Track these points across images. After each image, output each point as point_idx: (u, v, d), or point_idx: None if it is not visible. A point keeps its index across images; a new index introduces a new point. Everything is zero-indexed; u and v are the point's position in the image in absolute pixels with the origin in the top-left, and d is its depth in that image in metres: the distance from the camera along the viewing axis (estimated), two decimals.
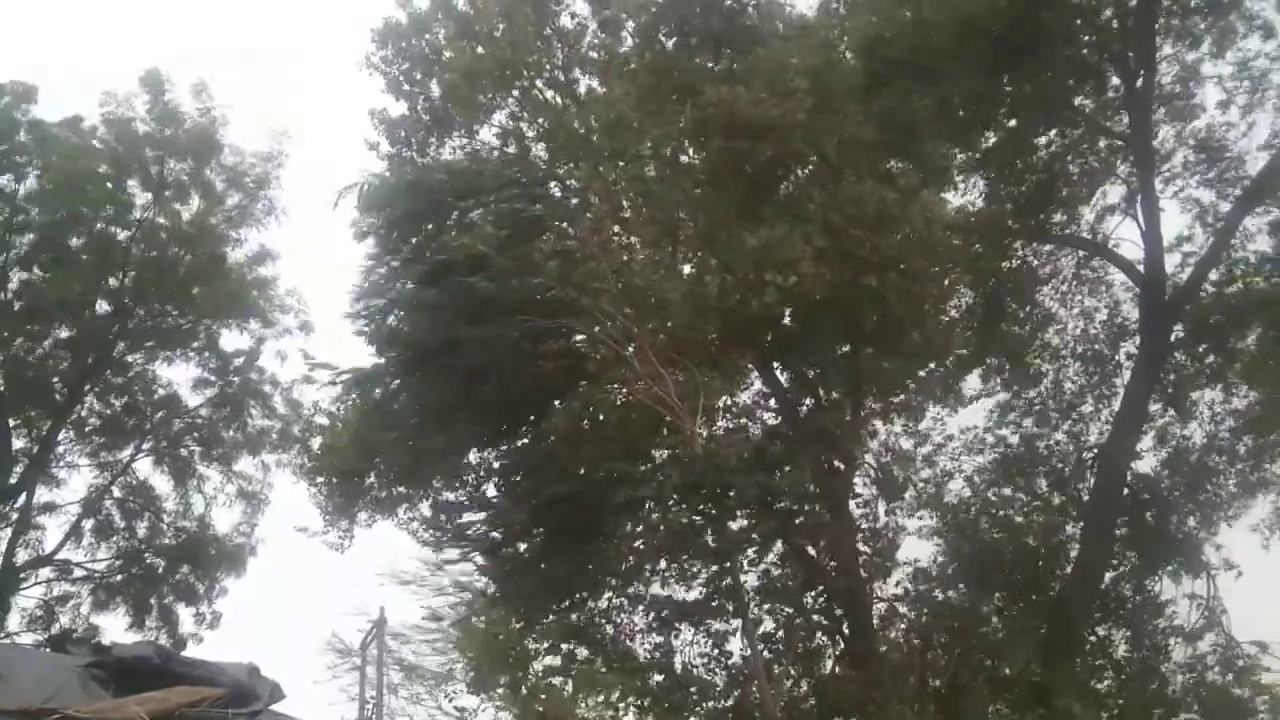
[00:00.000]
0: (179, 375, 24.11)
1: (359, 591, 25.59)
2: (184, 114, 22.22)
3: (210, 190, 22.86)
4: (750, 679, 13.43)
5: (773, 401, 16.01)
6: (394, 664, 22.97)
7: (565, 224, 13.41)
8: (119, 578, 23.10)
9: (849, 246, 12.52)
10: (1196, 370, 15.90)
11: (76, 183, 21.21)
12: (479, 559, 14.26)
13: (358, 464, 15.65)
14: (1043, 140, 16.10)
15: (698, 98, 13.00)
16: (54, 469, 23.20)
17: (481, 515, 13.43)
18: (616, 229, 15.35)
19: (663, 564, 13.68)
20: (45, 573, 22.87)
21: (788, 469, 12.79)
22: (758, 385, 16.20)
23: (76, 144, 21.51)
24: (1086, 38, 14.98)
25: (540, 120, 17.90)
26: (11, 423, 22.30)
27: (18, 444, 22.57)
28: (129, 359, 23.81)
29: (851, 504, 15.10)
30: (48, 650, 14.66)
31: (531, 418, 13.11)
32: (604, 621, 14.26)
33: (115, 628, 22.46)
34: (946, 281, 15.65)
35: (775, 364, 15.24)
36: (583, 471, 12.23)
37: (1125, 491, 15.18)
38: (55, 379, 22.73)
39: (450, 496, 15.25)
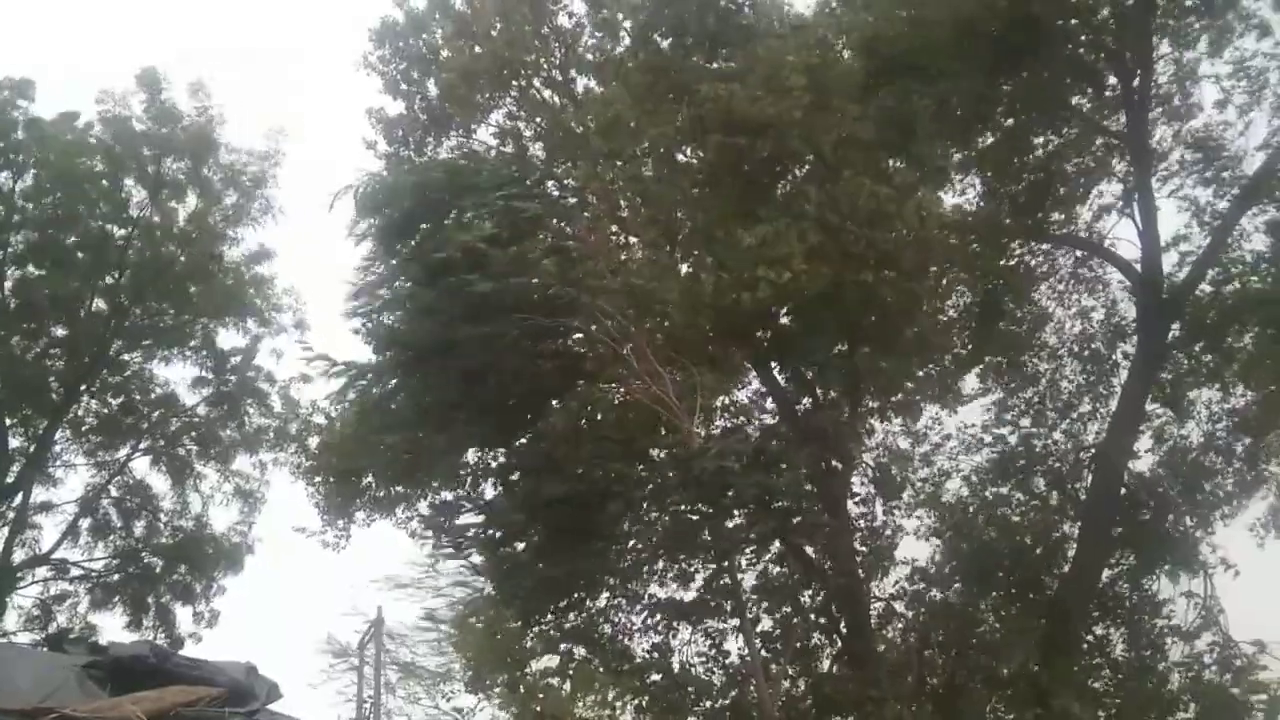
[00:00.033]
0: (176, 374, 24.13)
1: (357, 591, 25.62)
2: (181, 113, 22.21)
3: (207, 189, 22.84)
4: (748, 678, 13.44)
5: (770, 401, 16.03)
6: (391, 664, 22.97)
7: (563, 223, 13.38)
8: (116, 577, 23.09)
9: (845, 243, 12.54)
10: (1193, 370, 15.92)
11: (73, 180, 21.19)
12: (477, 559, 14.25)
13: (355, 463, 15.66)
14: (1040, 139, 16.10)
15: (694, 96, 13.00)
16: (51, 468, 23.20)
17: (479, 515, 13.40)
18: (614, 228, 15.36)
19: (661, 563, 13.68)
20: (42, 572, 22.85)
21: (786, 468, 12.79)
22: (756, 385, 16.23)
23: (73, 141, 21.49)
24: (1083, 37, 14.99)
25: (538, 120, 17.91)
26: (8, 422, 22.27)
27: (14, 443, 22.55)
28: (126, 358, 23.79)
29: (849, 503, 15.13)
30: (45, 650, 14.66)
31: (529, 417, 13.08)
32: (602, 621, 14.26)
33: (112, 627, 22.47)
34: (945, 281, 15.68)
35: (773, 363, 15.24)
36: (581, 471, 12.21)
37: (1122, 491, 15.19)
38: (52, 378, 22.70)
39: (448, 496, 15.24)
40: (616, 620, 14.37)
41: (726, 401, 16.12)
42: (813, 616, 14.72)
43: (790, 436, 14.07)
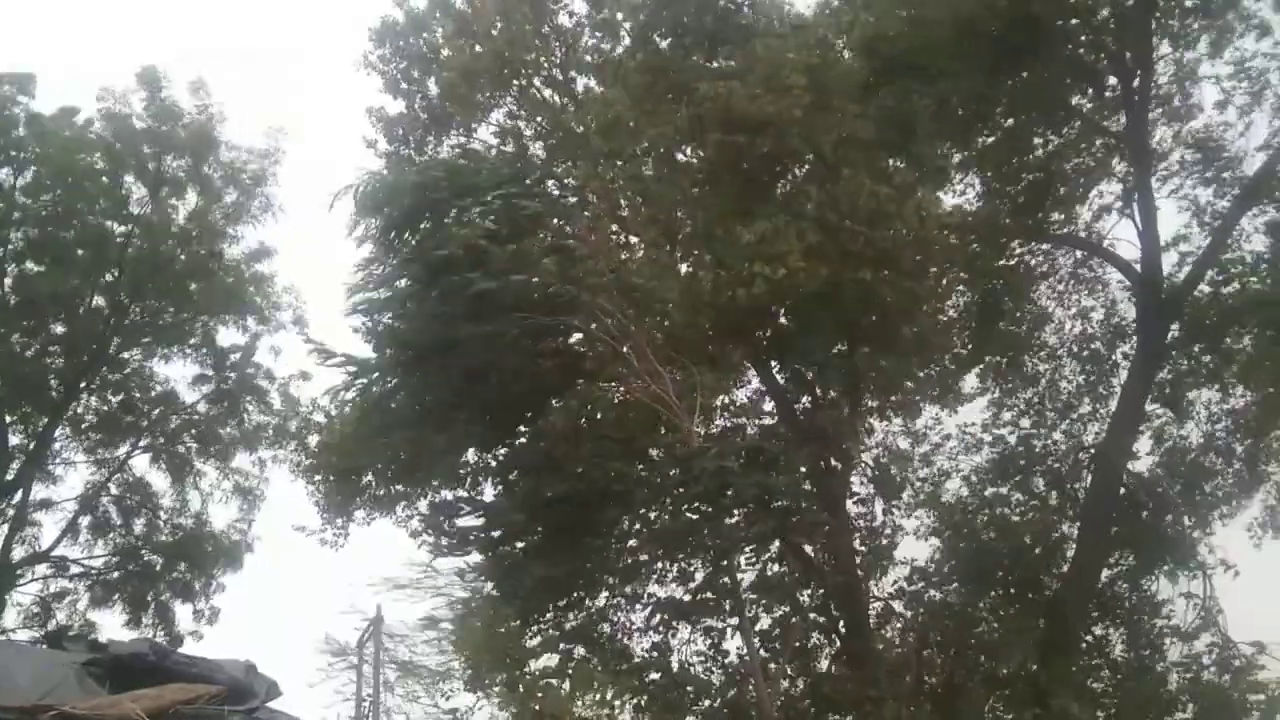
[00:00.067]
0: (175, 372, 24.13)
1: (356, 590, 25.65)
2: (182, 110, 22.21)
3: (208, 187, 22.84)
4: (747, 677, 13.44)
5: (770, 400, 16.04)
6: (390, 662, 23.01)
7: (563, 222, 13.39)
8: (116, 575, 23.10)
9: (844, 241, 12.55)
10: (1193, 370, 15.92)
11: (73, 177, 21.18)
12: (477, 558, 14.25)
13: (355, 462, 15.66)
14: (1040, 140, 16.10)
15: (693, 95, 13.01)
16: (50, 466, 23.20)
17: (479, 514, 13.41)
18: (615, 227, 15.37)
19: (660, 563, 13.68)
20: (42, 569, 22.86)
21: (785, 468, 12.79)
22: (755, 384, 16.23)
23: (73, 137, 21.46)
24: (1083, 37, 14.99)
25: (538, 119, 17.92)
26: (8, 419, 22.27)
27: (14, 440, 22.55)
28: (125, 355, 23.79)
29: (849, 503, 15.13)
30: (44, 647, 14.66)
31: (529, 416, 13.09)
32: (601, 620, 14.26)
33: (112, 625, 22.49)
34: (945, 281, 15.68)
35: (773, 363, 15.25)
36: (580, 470, 12.22)
37: (1122, 491, 15.20)
38: (51, 376, 22.70)
39: (448, 495, 15.24)
40: (616, 620, 14.37)
41: (726, 400, 16.13)
42: (812, 616, 14.72)
43: (789, 436, 14.08)
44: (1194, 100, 16.08)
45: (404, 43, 18.57)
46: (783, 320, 14.09)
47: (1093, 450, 16.04)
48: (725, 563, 12.29)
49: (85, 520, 23.33)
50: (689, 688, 13.88)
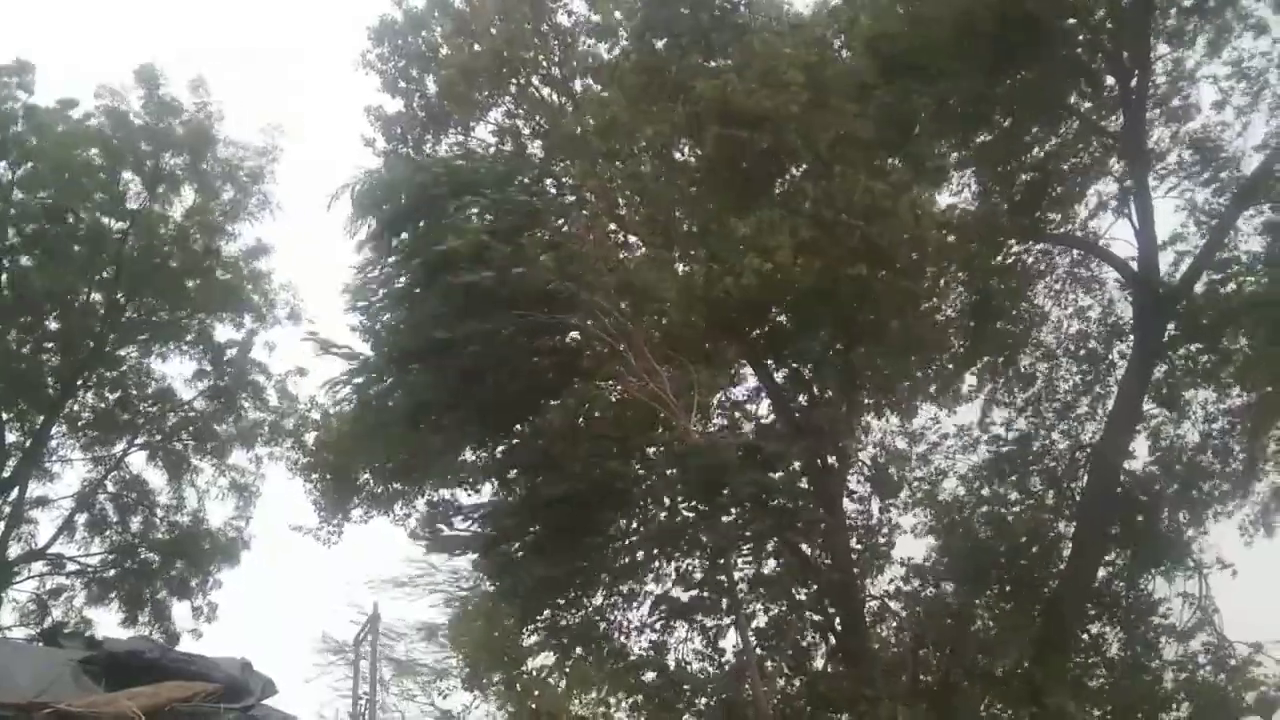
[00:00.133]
0: (172, 369, 24.11)
1: (353, 588, 25.59)
2: (180, 106, 22.18)
3: (205, 184, 22.81)
4: (743, 676, 13.45)
5: (767, 399, 16.05)
6: (387, 658, 22.98)
7: (560, 220, 13.39)
8: (112, 572, 23.07)
9: (839, 235, 12.58)
10: (1189, 369, 15.94)
11: (70, 172, 21.13)
12: (474, 556, 14.26)
13: (352, 461, 15.66)
14: (1037, 139, 16.11)
15: (690, 93, 13.02)
16: (47, 463, 23.17)
17: (477, 513, 13.42)
18: (612, 226, 15.38)
19: (657, 561, 13.70)
20: (38, 567, 22.84)
21: (781, 465, 12.81)
22: (753, 382, 16.24)
23: (70, 132, 21.40)
24: (1081, 37, 15.00)
25: (537, 118, 17.91)
26: (4, 416, 22.25)
27: (10, 438, 22.52)
28: (122, 353, 23.75)
29: (845, 501, 15.15)
30: (41, 645, 14.66)
31: (527, 414, 13.10)
32: (598, 619, 14.28)
33: (108, 622, 22.46)
34: (943, 281, 15.70)
35: (770, 361, 15.26)
36: (578, 469, 12.23)
37: (1118, 490, 15.22)
38: (48, 373, 22.67)
39: (446, 494, 15.25)
40: (613, 618, 14.39)
41: (723, 398, 16.13)
42: (808, 614, 14.74)
43: (786, 434, 14.09)
44: (1192, 100, 16.10)
45: (402, 41, 18.55)
46: (780, 318, 14.10)
47: (1089, 449, 16.06)
48: (722, 561, 12.31)
49: (82, 517, 23.31)
50: (685, 686, 13.89)
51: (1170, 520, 15.57)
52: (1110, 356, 17.07)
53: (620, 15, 15.92)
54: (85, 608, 22.77)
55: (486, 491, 14.32)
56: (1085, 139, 16.25)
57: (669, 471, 12.33)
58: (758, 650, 13.83)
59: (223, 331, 24.10)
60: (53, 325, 22.79)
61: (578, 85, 17.82)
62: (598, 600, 14.20)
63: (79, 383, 23.04)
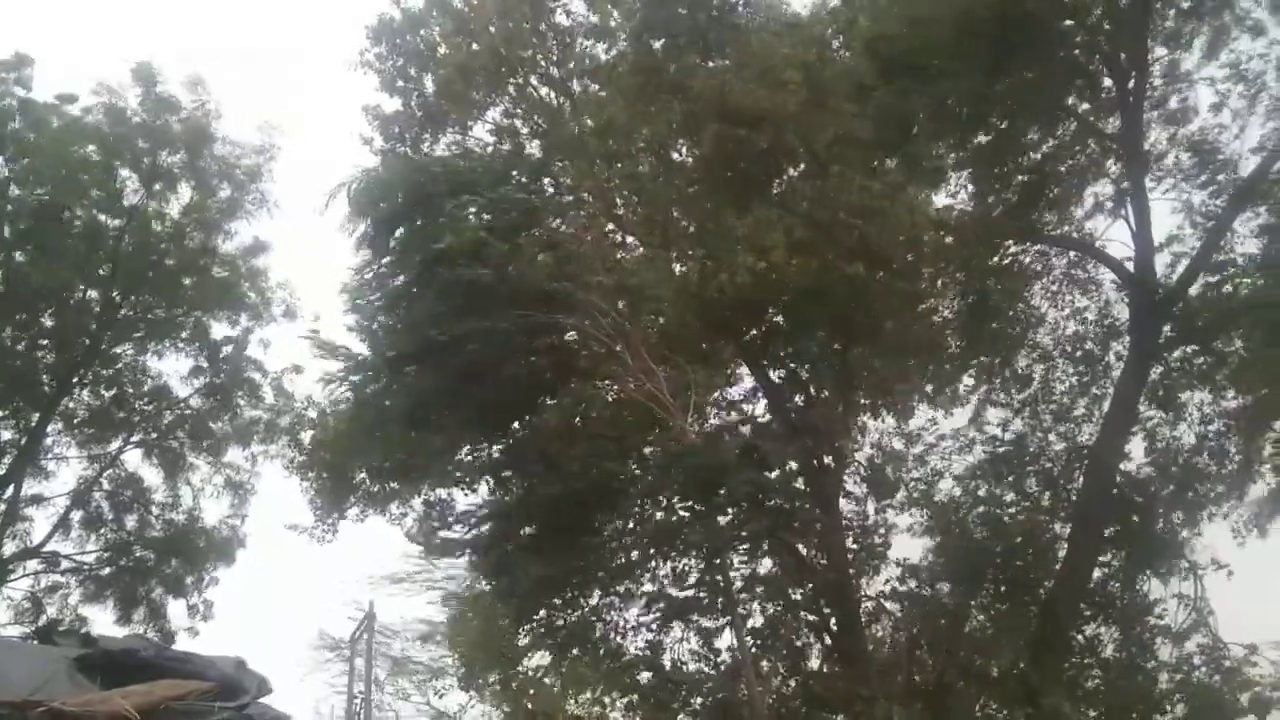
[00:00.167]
0: (168, 366, 24.05)
1: (349, 586, 25.59)
2: (178, 103, 22.13)
3: (202, 181, 22.76)
4: (739, 675, 13.46)
5: (764, 399, 16.06)
6: (383, 655, 22.98)
7: (558, 219, 13.40)
8: (107, 570, 23.03)
9: (835, 235, 12.59)
10: (1186, 371, 15.97)
11: (67, 168, 21.07)
12: (470, 556, 14.25)
13: (349, 460, 15.64)
14: (1034, 140, 16.13)
15: (687, 93, 13.02)
16: (42, 461, 23.10)
17: (473, 516, 13.42)
18: (610, 226, 15.38)
19: (654, 561, 13.70)
20: (33, 565, 22.77)
21: (777, 465, 12.82)
22: (749, 382, 16.25)
23: (67, 127, 21.33)
24: (1079, 39, 15.01)
25: (535, 118, 17.90)
26: (0, 414, 22.20)
27: (5, 435, 22.45)
28: (117, 350, 23.70)
29: (842, 501, 15.16)
30: (35, 642, 14.61)
31: (524, 414, 13.10)
32: (594, 618, 14.28)
33: (103, 621, 22.41)
34: (940, 282, 15.72)
35: (766, 361, 15.27)
36: (575, 468, 12.23)
37: (1114, 491, 15.24)
38: (43, 370, 22.61)
39: (442, 493, 15.24)
40: (609, 618, 14.39)
41: (719, 396, 16.14)
42: (803, 614, 14.75)
43: (782, 434, 14.10)
44: (1189, 102, 16.13)
45: (400, 40, 18.52)
46: (776, 318, 14.11)
47: (1085, 450, 16.08)
48: (718, 560, 12.32)
49: (77, 515, 23.24)
50: (681, 685, 13.90)
51: (1166, 522, 15.59)
52: (1106, 358, 17.10)
53: (619, 16, 15.91)
54: (80, 605, 22.72)
55: (483, 491, 14.33)
56: (1082, 140, 16.26)
57: (666, 471, 12.33)
58: (753, 650, 13.84)
59: (218, 329, 24.08)
60: (48, 322, 22.71)
61: (576, 86, 17.81)
62: (594, 600, 14.20)
63: (74, 380, 22.97)
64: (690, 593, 13.58)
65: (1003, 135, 15.68)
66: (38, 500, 23.06)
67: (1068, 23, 14.70)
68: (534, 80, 17.89)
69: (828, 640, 14.86)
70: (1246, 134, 15.17)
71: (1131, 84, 14.77)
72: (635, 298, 13.04)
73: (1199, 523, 15.83)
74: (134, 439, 23.85)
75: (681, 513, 12.52)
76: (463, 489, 14.76)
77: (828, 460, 14.65)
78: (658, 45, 14.43)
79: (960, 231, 15.38)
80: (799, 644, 15.02)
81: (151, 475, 23.95)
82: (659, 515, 12.90)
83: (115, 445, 23.77)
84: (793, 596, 14.62)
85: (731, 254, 12.43)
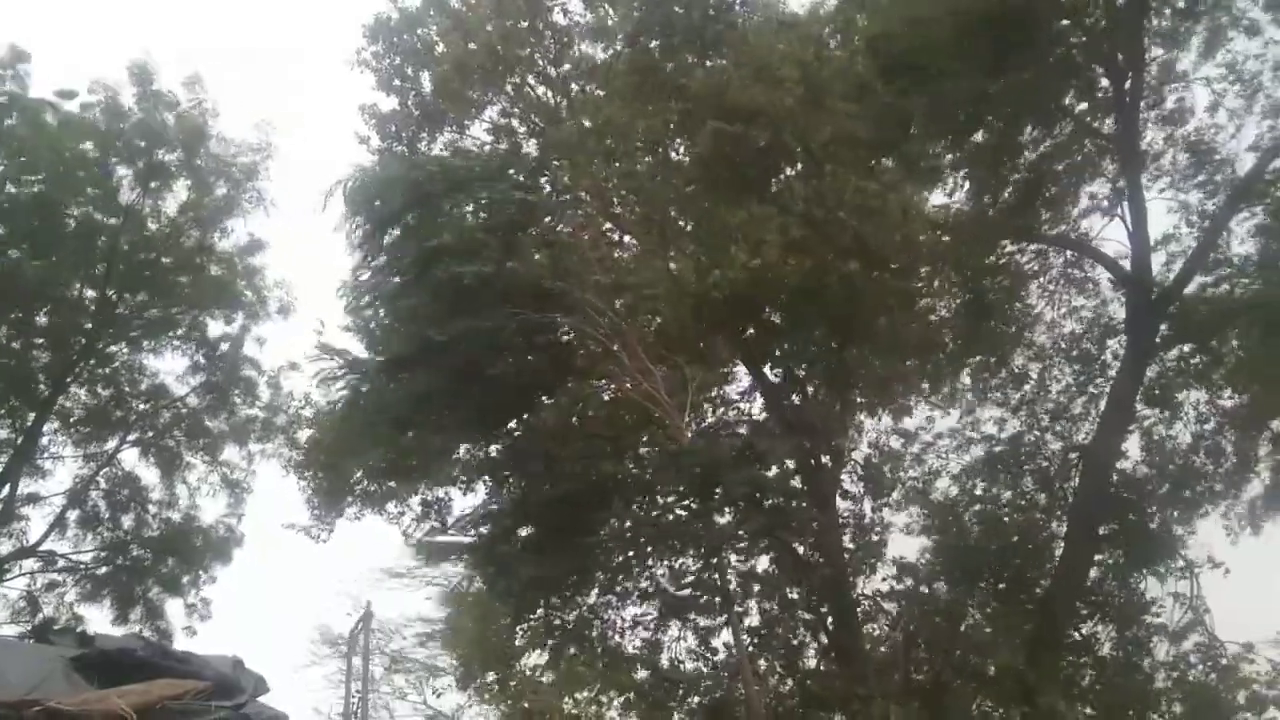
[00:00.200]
0: (164, 365, 23.99)
1: (346, 584, 25.58)
2: (174, 102, 22.07)
3: (199, 179, 22.70)
4: (735, 674, 13.47)
5: (761, 397, 16.06)
6: (379, 654, 22.99)
7: (555, 218, 13.39)
8: (104, 569, 22.98)
9: (831, 234, 12.59)
10: (1182, 370, 16.00)
11: (63, 166, 21.00)
12: (467, 555, 14.24)
13: (346, 459, 15.61)
14: (1031, 139, 16.14)
15: (684, 91, 13.02)
16: (38, 460, 23.04)
17: (469, 518, 13.42)
18: (607, 225, 15.37)
19: (650, 560, 13.70)
20: (29, 564, 22.72)
21: (774, 464, 12.83)
22: (746, 381, 16.26)
23: (63, 123, 21.25)
24: (1076, 39, 15.02)
25: (532, 116, 17.88)
26: None
27: (1, 434, 22.39)
28: (114, 349, 23.64)
29: (839, 500, 15.17)
30: (31, 642, 14.57)
31: (521, 413, 13.09)
32: (592, 617, 14.28)
33: (100, 620, 22.37)
34: (937, 281, 15.73)
35: (763, 360, 15.27)
36: (571, 467, 12.23)
37: (1111, 490, 15.27)
38: (39, 369, 22.55)
39: (440, 492, 15.22)
40: (606, 617, 14.39)
41: (716, 394, 16.14)
42: (800, 612, 14.76)
43: (779, 432, 14.10)
44: (1186, 102, 16.16)
45: (397, 39, 18.49)
46: (773, 317, 14.12)
47: (1082, 449, 16.10)
48: (715, 559, 12.32)
49: (73, 514, 23.16)
50: (678, 684, 13.90)
51: (1162, 520, 15.62)
52: (1103, 357, 17.13)
53: (616, 15, 15.89)
54: (77, 605, 22.64)
55: (480, 490, 14.33)
56: (1079, 140, 16.28)
57: (663, 470, 12.33)
58: (750, 648, 13.84)
59: (215, 327, 24.02)
60: (43, 320, 22.63)
61: (573, 85, 17.79)
62: (591, 599, 14.20)
63: (70, 379, 22.91)
64: (687, 591, 13.58)
65: (1000, 135, 15.70)
66: (34, 499, 22.98)
67: (1065, 23, 14.71)
68: (531, 79, 17.86)
69: (824, 639, 14.88)
70: (1242, 134, 15.25)
71: (1128, 84, 14.80)
72: (632, 297, 13.03)
73: (1195, 521, 15.87)
74: (130, 438, 23.77)
75: (679, 511, 12.52)
76: (459, 488, 14.77)
77: (825, 459, 14.66)
78: (655, 44, 14.44)
79: (957, 231, 15.38)
80: (796, 643, 15.03)
81: (148, 474, 23.89)
82: (656, 514, 12.89)
83: (112, 444, 23.70)
84: (790, 595, 14.63)
85: (728, 252, 12.42)
